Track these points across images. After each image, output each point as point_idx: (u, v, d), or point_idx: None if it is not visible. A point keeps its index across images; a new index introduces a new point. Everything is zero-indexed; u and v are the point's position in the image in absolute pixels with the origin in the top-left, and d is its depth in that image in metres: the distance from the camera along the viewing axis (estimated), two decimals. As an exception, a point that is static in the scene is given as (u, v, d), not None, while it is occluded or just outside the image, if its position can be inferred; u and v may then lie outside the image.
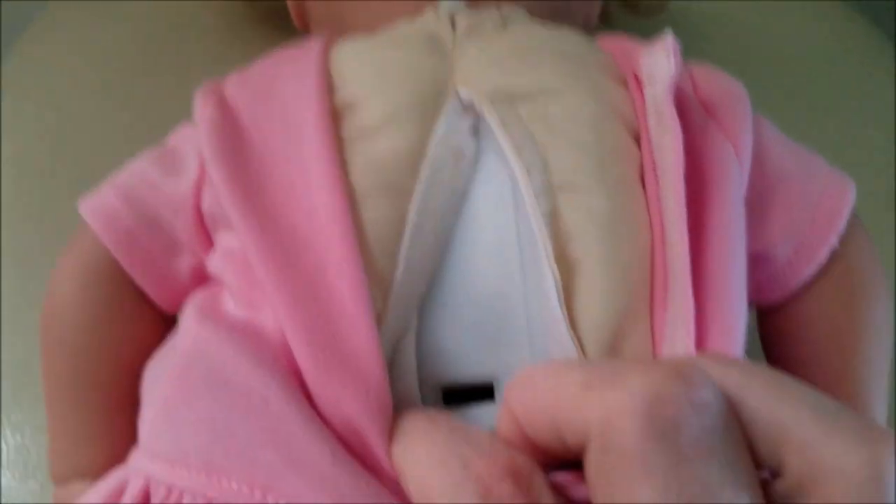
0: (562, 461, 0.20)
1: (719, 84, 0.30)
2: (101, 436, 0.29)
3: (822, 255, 0.29)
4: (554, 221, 0.25)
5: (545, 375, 0.19)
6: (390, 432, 0.22)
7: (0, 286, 0.38)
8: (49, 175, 0.42)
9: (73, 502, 0.26)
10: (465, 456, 0.19)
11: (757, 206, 0.28)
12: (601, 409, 0.17)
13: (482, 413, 0.25)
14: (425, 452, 0.20)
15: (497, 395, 0.25)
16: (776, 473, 0.17)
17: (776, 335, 0.31)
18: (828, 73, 0.49)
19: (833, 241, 0.29)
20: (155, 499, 0.23)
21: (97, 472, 0.26)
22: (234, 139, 0.27)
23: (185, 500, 0.22)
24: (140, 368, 0.28)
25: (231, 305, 0.26)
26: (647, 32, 0.31)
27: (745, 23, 0.50)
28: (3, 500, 0.34)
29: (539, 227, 0.25)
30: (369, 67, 0.28)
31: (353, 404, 0.22)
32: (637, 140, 0.28)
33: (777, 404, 0.17)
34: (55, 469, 0.30)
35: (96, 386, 0.29)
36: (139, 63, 0.45)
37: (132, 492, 0.23)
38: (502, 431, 0.20)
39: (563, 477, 0.20)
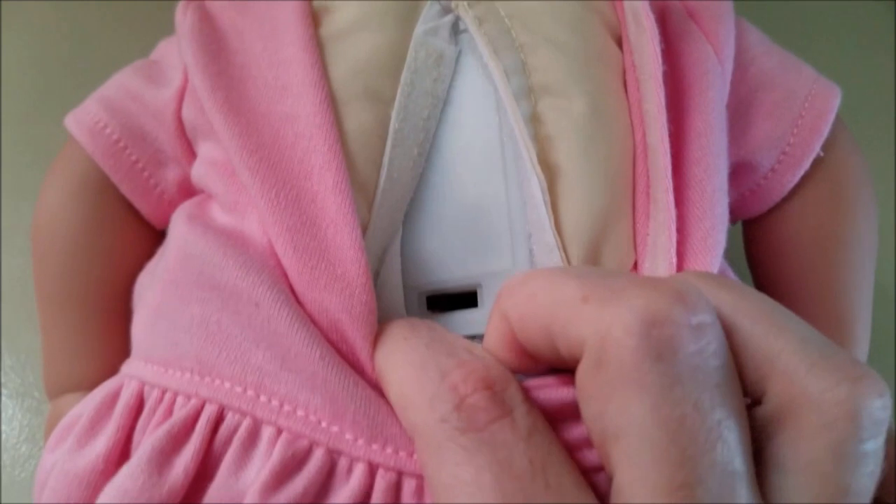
0: (549, 368, 0.20)
1: None
2: (94, 349, 0.29)
3: (807, 162, 0.29)
4: (536, 125, 0.25)
5: (542, 283, 0.19)
6: (374, 337, 0.22)
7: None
8: (43, 97, 0.41)
9: (66, 415, 0.26)
10: (442, 365, 0.19)
11: (739, 112, 0.28)
12: (599, 324, 0.17)
13: (465, 319, 0.26)
14: (404, 360, 0.20)
15: (480, 300, 0.26)
16: (757, 401, 0.17)
17: (762, 247, 0.31)
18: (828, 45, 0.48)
19: (817, 147, 0.29)
20: (148, 402, 0.23)
21: (90, 386, 0.26)
22: (214, 45, 0.27)
23: (178, 402, 0.22)
24: (130, 281, 0.28)
25: (218, 212, 0.26)
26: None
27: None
28: (1, 420, 0.35)
29: (520, 130, 0.25)
30: None
31: (337, 307, 0.22)
32: (619, 43, 0.27)
33: (768, 332, 0.17)
34: (49, 385, 0.30)
35: (87, 298, 0.29)
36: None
37: (126, 396, 0.23)
38: (491, 334, 0.21)
39: (540, 381, 0.20)
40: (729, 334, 0.17)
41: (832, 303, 0.30)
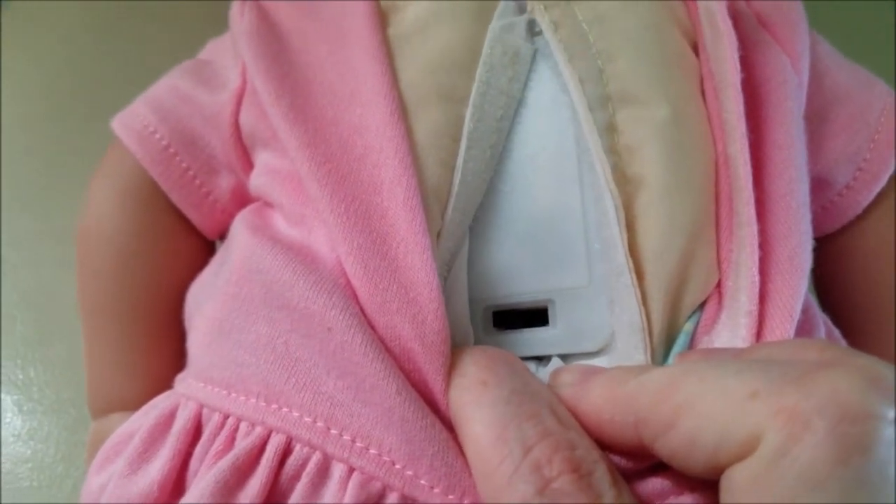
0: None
1: None
2: (143, 364, 0.28)
3: (884, 179, 0.28)
4: (613, 136, 0.24)
5: (696, 389, 0.17)
6: (448, 368, 0.21)
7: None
8: (52, 109, 0.41)
9: (114, 432, 0.25)
10: (525, 434, 0.18)
11: (815, 125, 0.27)
12: (777, 420, 0.15)
13: (535, 338, 0.25)
14: (483, 417, 0.19)
15: (551, 318, 0.24)
16: None
17: (831, 266, 0.30)
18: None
19: (893, 163, 0.28)
20: (208, 426, 0.22)
21: (138, 405, 0.25)
22: (276, 46, 0.25)
23: (241, 429, 0.21)
24: (181, 294, 0.27)
25: (282, 224, 0.25)
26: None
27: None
28: (34, 436, 0.34)
29: (594, 141, 0.24)
30: None
31: (409, 334, 0.21)
32: (694, 49, 0.26)
33: None
34: (93, 402, 0.29)
35: (136, 312, 0.28)
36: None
37: (183, 419, 0.22)
38: (594, 414, 0.19)
39: (625, 462, 0.19)
40: None
41: None
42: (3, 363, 0.34)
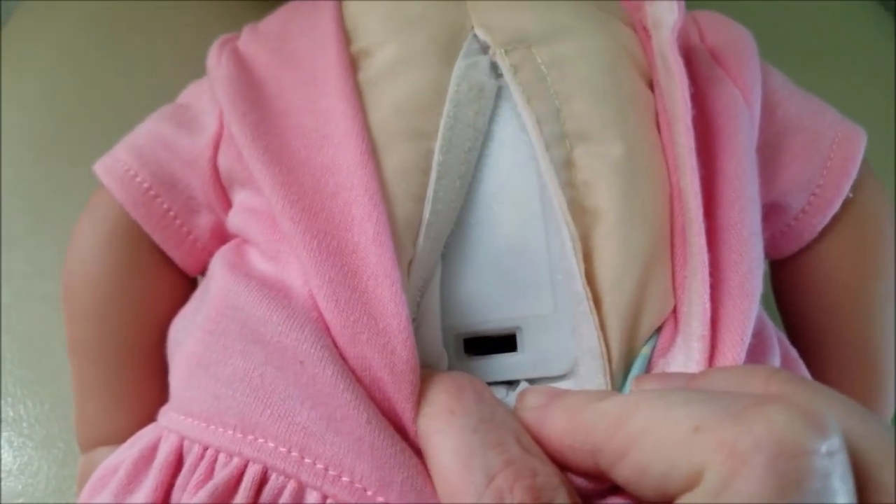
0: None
1: (726, 31, 0.30)
2: (128, 399, 0.29)
3: (837, 204, 0.29)
4: (570, 170, 0.25)
5: (647, 420, 0.18)
6: (417, 396, 0.22)
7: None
8: (38, 151, 0.42)
9: (100, 465, 0.25)
10: (489, 463, 0.19)
11: (768, 155, 0.28)
12: (716, 455, 0.16)
13: (503, 363, 0.25)
14: (450, 447, 0.20)
15: (519, 345, 0.25)
16: None
17: (791, 287, 0.31)
18: (830, 57, 0.48)
19: (846, 189, 0.29)
20: (189, 458, 0.22)
21: (124, 438, 0.26)
22: (252, 93, 0.27)
23: (219, 459, 0.22)
24: (163, 329, 0.28)
25: (258, 259, 0.26)
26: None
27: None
28: (25, 471, 0.34)
29: (551, 178, 0.25)
30: (384, 14, 0.28)
31: (379, 364, 0.22)
32: (649, 85, 0.28)
33: (887, 462, 0.16)
34: (81, 436, 0.30)
35: (120, 348, 0.29)
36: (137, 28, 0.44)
37: (165, 451, 0.23)
38: (554, 438, 0.20)
39: (586, 483, 0.20)
40: (854, 460, 0.16)
41: (863, 345, 0.30)
42: (-5, 401, 0.35)
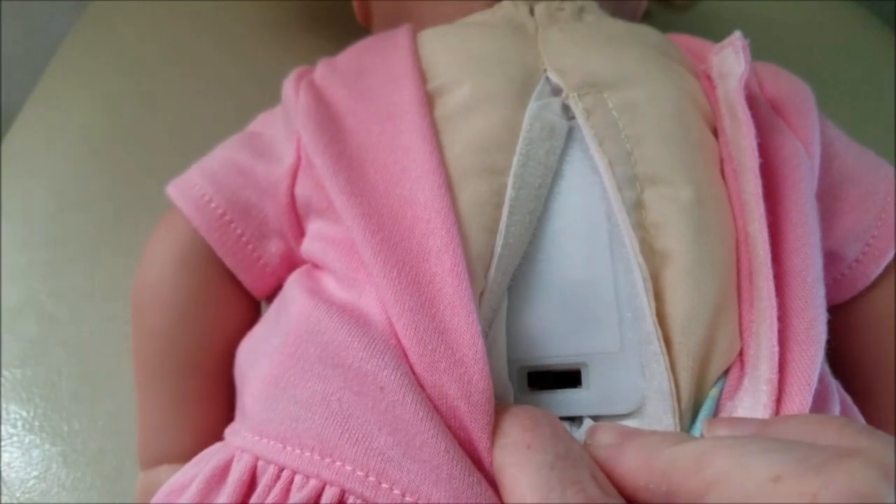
0: None
1: (786, 83, 0.31)
2: (193, 418, 0.29)
3: (890, 254, 0.30)
4: (641, 212, 0.26)
5: (726, 467, 0.18)
6: (492, 427, 0.22)
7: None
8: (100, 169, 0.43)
9: (165, 482, 0.26)
10: (567, 501, 0.19)
11: (826, 205, 0.29)
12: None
13: (567, 399, 0.26)
14: (527, 481, 0.20)
15: (584, 381, 0.26)
16: None
17: (842, 334, 0.31)
18: (833, 71, 0.49)
19: None
20: (263, 478, 0.22)
21: (186, 458, 0.26)
22: (331, 125, 0.28)
23: (296, 481, 0.22)
24: (230, 351, 0.29)
25: (333, 286, 0.26)
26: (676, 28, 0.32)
27: (756, 21, 0.51)
28: (77, 486, 0.35)
29: (623, 219, 0.26)
30: (460, 54, 0.29)
31: (456, 393, 0.22)
32: (714, 132, 0.28)
33: None
34: (143, 453, 0.30)
35: (188, 369, 0.29)
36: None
37: (239, 471, 0.23)
38: (630, 479, 0.20)
39: None
40: None
41: None
42: (50, 416, 0.35)
